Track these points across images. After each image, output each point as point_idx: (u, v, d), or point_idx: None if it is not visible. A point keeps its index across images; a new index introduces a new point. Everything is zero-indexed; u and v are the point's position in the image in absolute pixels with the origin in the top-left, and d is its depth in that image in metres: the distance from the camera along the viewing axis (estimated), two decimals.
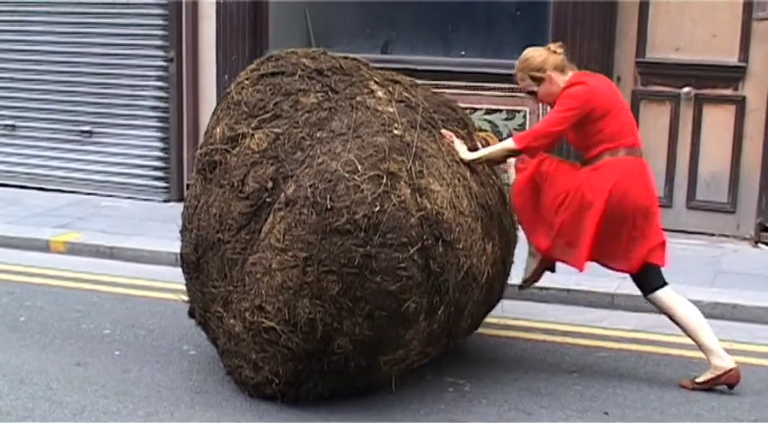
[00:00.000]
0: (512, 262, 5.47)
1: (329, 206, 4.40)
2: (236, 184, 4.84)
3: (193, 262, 5.04)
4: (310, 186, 4.48)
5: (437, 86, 8.11)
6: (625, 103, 5.24)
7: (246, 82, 5.17)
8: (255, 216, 4.77)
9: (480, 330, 5.72)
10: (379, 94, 5.12)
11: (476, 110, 8.12)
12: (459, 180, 4.89)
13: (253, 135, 4.92)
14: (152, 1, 8.97)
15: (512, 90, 7.98)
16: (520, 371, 5.31)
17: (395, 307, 4.47)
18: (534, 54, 5.17)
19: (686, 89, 7.78)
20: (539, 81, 5.14)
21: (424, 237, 4.49)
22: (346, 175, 4.46)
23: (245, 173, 4.83)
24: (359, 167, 4.49)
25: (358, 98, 5.02)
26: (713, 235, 7.84)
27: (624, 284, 6.46)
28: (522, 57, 5.21)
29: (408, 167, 4.58)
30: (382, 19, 8.62)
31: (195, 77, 8.91)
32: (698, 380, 5.06)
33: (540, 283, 6.36)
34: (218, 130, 5.06)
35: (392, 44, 8.59)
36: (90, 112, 9.37)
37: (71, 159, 9.50)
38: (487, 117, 8.11)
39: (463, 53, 8.27)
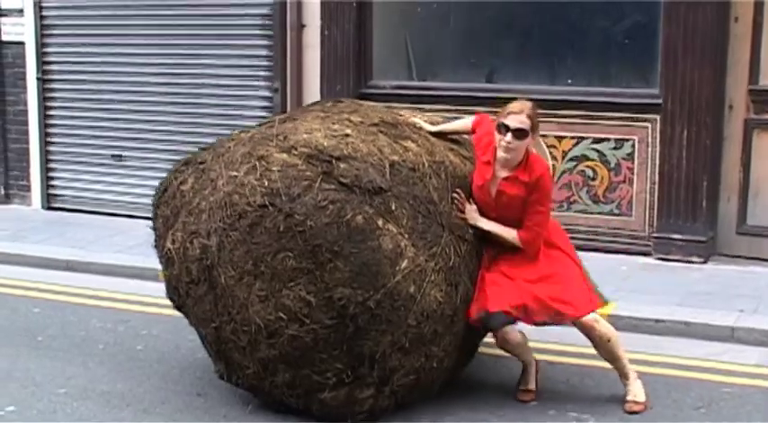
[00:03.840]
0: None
1: None
2: None
3: None
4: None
5: (544, 115, 8.09)
6: None
7: None
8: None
9: (599, 363, 5.64)
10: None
11: (583, 139, 8.04)
12: None
13: None
14: (257, 32, 9.07)
15: (621, 119, 7.90)
16: None
17: None
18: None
19: None
20: (533, 133, 5.06)
21: None
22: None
23: None
24: None
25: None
26: None
27: (743, 318, 6.33)
28: (525, 102, 5.13)
29: None
30: (487, 47, 8.58)
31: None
32: None
33: (656, 316, 6.29)
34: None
35: (497, 73, 8.53)
36: (195, 141, 9.42)
37: None
38: (595, 146, 8.01)
39: (570, 82, 8.19)
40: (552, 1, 8.15)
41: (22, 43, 10.14)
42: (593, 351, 5.94)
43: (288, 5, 8.82)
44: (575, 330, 6.31)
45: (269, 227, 4.66)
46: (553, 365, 5.71)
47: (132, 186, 9.83)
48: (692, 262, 7.67)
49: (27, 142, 10.28)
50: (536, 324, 5.11)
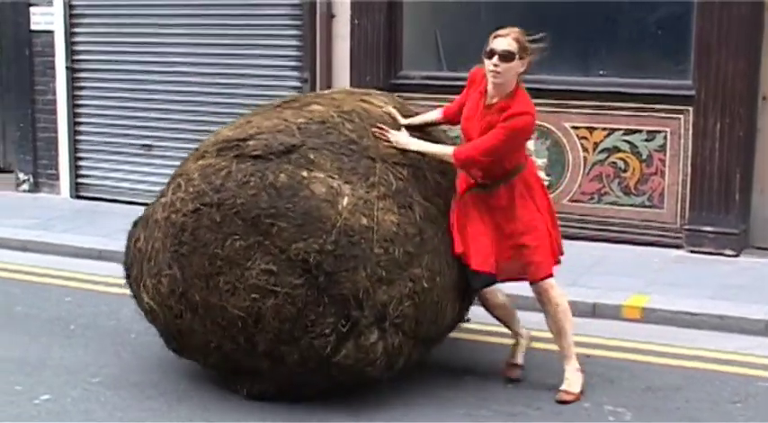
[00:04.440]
0: None
1: None
2: None
3: None
4: None
5: (575, 106, 8.07)
6: None
7: None
8: None
9: (633, 356, 5.63)
10: None
11: (614, 130, 7.99)
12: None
13: None
14: (287, 22, 9.05)
15: (653, 110, 7.84)
16: (680, 399, 5.17)
17: None
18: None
19: None
20: (522, 57, 4.97)
21: None
22: None
23: None
24: None
25: None
26: None
27: None
28: (513, 28, 5.04)
29: None
30: None
31: None
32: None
33: (690, 309, 6.25)
34: None
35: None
36: None
37: None
38: (626, 138, 7.95)
39: (602, 72, 8.13)
40: None
41: (51, 32, 10.16)
42: (627, 344, 5.96)
43: None
44: (608, 324, 6.33)
45: (208, 224, 4.88)
46: (588, 358, 5.67)
47: (161, 176, 9.75)
48: (725, 255, 7.62)
49: (56, 131, 10.30)
50: (501, 281, 5.21)
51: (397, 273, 4.81)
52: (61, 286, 7.40)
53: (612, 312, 6.50)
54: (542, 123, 8.13)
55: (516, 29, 5.03)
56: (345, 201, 4.80)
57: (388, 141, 5.12)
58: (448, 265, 5.08)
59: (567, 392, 5.11)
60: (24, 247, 8.47)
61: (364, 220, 4.78)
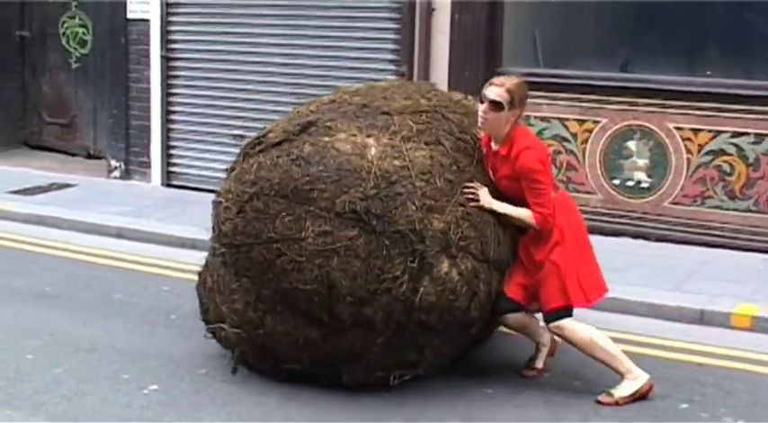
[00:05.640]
0: None
1: None
2: None
3: None
4: None
5: (680, 107, 7.89)
6: None
7: None
8: None
9: (747, 367, 5.49)
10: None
11: (720, 133, 7.78)
12: None
13: None
14: (386, 15, 8.97)
15: (762, 112, 7.63)
16: None
17: None
18: (525, 87, 5.12)
19: None
20: (512, 107, 4.98)
21: None
22: None
23: None
24: None
25: None
26: None
27: None
28: (512, 77, 5.15)
29: None
30: (621, 37, 8.37)
31: None
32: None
33: None
34: None
35: (632, 63, 8.31)
36: None
37: None
38: (733, 140, 7.74)
39: (709, 73, 7.93)
40: None
41: (147, 21, 10.19)
42: (738, 354, 5.80)
43: None
44: (716, 332, 6.18)
45: (254, 216, 4.97)
46: (701, 367, 5.53)
47: None
48: None
49: (148, 119, 10.33)
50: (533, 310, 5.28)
51: (445, 200, 4.93)
52: (157, 275, 7.42)
53: (721, 320, 6.33)
54: (645, 124, 8.00)
55: (515, 80, 5.09)
56: (373, 151, 4.97)
57: (476, 200, 5.05)
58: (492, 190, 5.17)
59: (608, 393, 5.08)
60: (119, 234, 8.52)
61: (396, 162, 4.95)
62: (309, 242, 4.80)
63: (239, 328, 5.16)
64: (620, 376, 5.07)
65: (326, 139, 5.04)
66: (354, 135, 5.05)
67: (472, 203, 5.02)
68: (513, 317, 5.23)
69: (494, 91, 4.99)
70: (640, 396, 5.04)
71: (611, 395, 5.04)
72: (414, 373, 5.09)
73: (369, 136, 5.05)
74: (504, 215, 5.07)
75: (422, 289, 4.81)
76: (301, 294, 4.86)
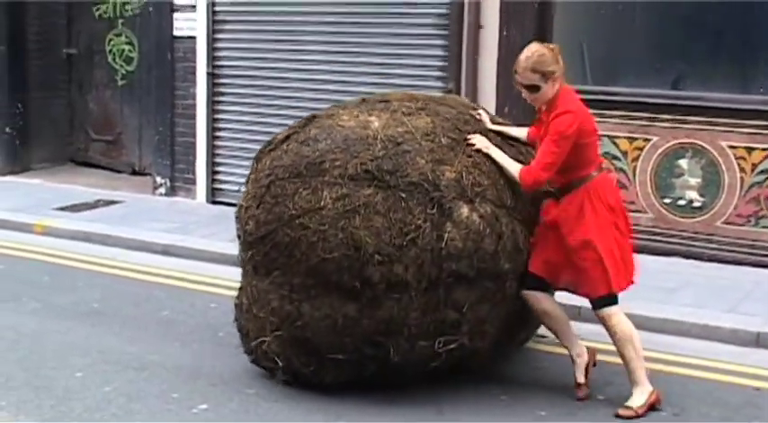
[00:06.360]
0: None
1: None
2: None
3: None
4: None
5: (733, 125, 7.76)
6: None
7: None
8: None
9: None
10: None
11: None
12: None
13: None
14: (433, 32, 8.93)
15: None
16: None
17: None
18: (546, 52, 5.09)
19: None
20: (547, 79, 5.03)
21: None
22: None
23: None
24: None
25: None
26: None
27: None
28: (530, 52, 5.10)
29: None
30: (674, 51, 8.22)
31: None
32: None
33: None
34: None
35: (684, 79, 8.18)
36: None
37: None
38: None
39: (762, 90, 7.79)
40: (747, 1, 7.79)
41: (193, 38, 10.22)
42: None
43: (465, 5, 8.63)
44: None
45: (273, 201, 5.19)
46: (759, 391, 5.41)
47: None
48: None
49: (194, 136, 10.36)
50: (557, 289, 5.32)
51: (451, 154, 5.15)
52: (204, 292, 7.40)
53: None
54: (697, 142, 7.89)
55: (534, 56, 5.06)
56: (376, 123, 5.27)
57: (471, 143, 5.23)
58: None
59: (626, 407, 5.09)
60: (165, 250, 8.52)
61: (400, 128, 5.21)
62: (329, 208, 4.99)
63: (279, 328, 5.19)
64: (631, 385, 5.12)
65: (330, 121, 5.36)
66: (357, 115, 5.37)
67: (473, 147, 5.18)
68: (542, 302, 5.21)
69: (522, 78, 5.09)
70: (650, 405, 5.08)
71: (629, 408, 5.06)
72: (459, 342, 5.06)
73: (371, 115, 5.36)
74: (495, 160, 5.21)
75: (446, 235, 4.93)
76: (331, 265, 4.96)
